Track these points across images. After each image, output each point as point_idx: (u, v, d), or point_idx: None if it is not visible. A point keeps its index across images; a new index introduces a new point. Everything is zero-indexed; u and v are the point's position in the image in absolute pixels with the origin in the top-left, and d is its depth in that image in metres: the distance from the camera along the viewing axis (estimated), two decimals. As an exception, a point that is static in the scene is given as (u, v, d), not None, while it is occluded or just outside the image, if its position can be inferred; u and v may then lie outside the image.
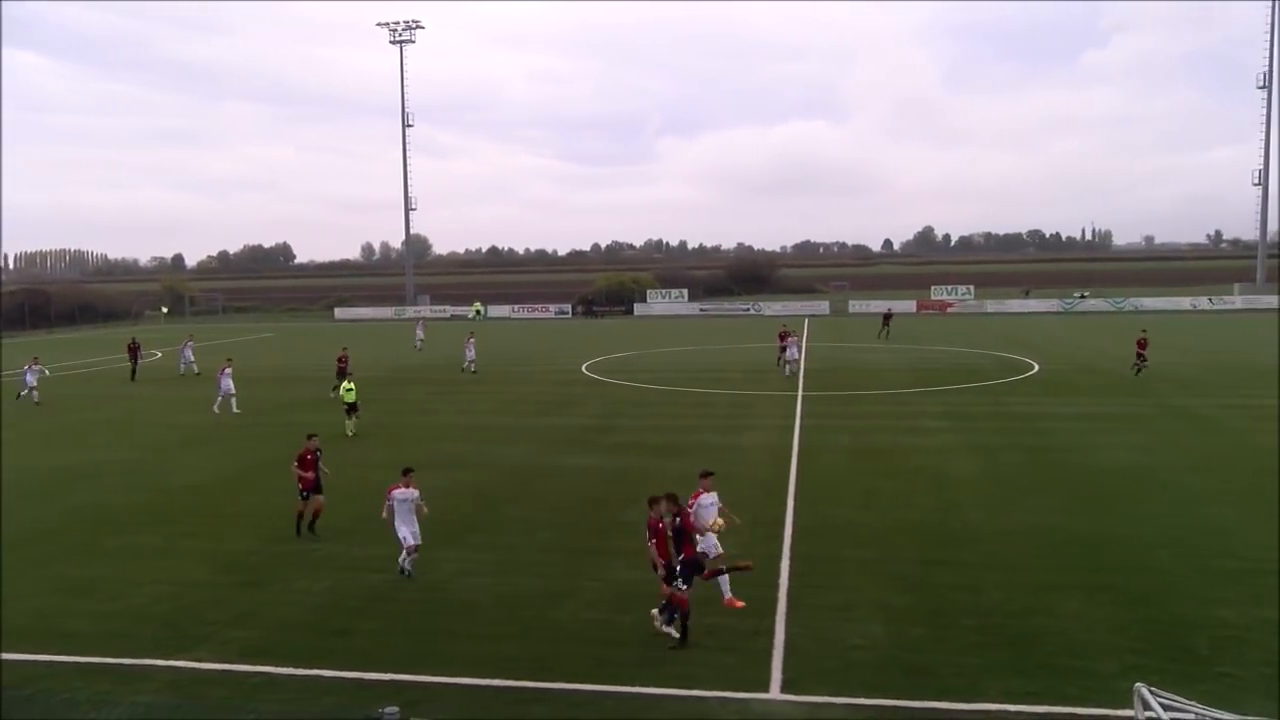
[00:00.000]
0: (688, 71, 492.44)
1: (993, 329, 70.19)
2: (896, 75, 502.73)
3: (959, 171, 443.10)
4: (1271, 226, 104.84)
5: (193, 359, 48.67)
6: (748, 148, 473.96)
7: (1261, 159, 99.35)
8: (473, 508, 20.56)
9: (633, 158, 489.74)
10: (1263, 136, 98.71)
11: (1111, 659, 12.32)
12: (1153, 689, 8.19)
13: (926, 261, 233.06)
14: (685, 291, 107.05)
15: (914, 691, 11.58)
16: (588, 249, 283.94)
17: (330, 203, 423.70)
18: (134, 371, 46.90)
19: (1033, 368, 44.89)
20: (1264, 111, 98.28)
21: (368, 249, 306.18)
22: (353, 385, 31.13)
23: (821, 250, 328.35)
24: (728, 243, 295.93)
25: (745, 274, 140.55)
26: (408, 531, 15.90)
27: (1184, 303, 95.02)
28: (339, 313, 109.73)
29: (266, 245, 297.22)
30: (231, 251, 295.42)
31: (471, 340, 48.26)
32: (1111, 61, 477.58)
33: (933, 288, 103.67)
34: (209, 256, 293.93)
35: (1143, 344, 41.18)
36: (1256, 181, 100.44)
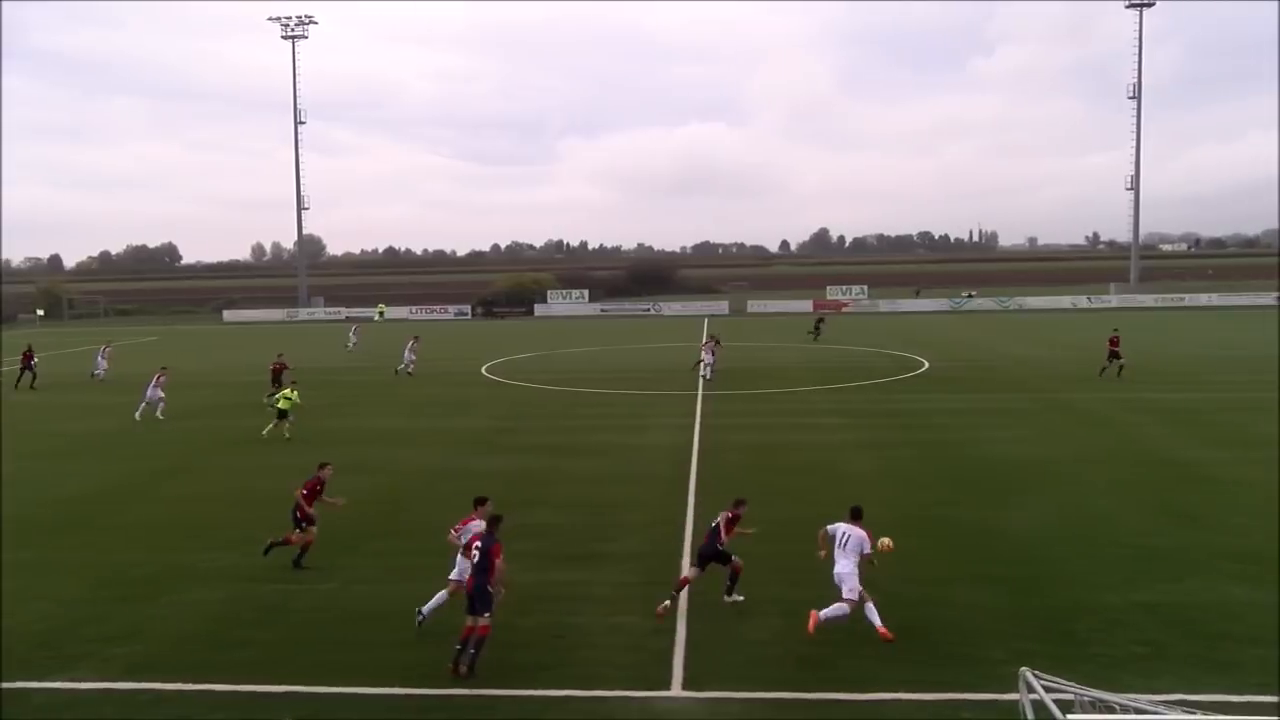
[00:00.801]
0: (590, 72, 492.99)
1: (886, 328, 72.08)
2: (794, 80, 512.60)
3: (853, 174, 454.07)
4: (1143, 229, 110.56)
5: (106, 365, 46.62)
6: (649, 149, 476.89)
7: (1133, 165, 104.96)
8: (374, 513, 20.18)
9: (534, 158, 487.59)
10: (1134, 144, 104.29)
11: (1000, 646, 12.80)
12: (1036, 673, 8.56)
13: (822, 262, 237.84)
14: (586, 292, 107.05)
15: (812, 683, 11.85)
16: (487, 249, 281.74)
17: (219, 201, 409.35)
18: (20, 380, 44.33)
19: (924, 365, 46.26)
20: (1134, 121, 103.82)
21: (258, 249, 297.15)
22: (293, 392, 30.15)
23: (721, 251, 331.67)
24: (629, 243, 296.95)
25: (646, 274, 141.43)
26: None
27: (1065, 302, 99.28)
28: (228, 315, 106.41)
29: (151, 245, 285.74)
30: (114, 252, 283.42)
31: (414, 343, 47.16)
32: (996, 69, 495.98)
33: (828, 288, 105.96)
34: (89, 257, 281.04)
35: (1115, 342, 40.34)
36: (1129, 186, 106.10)
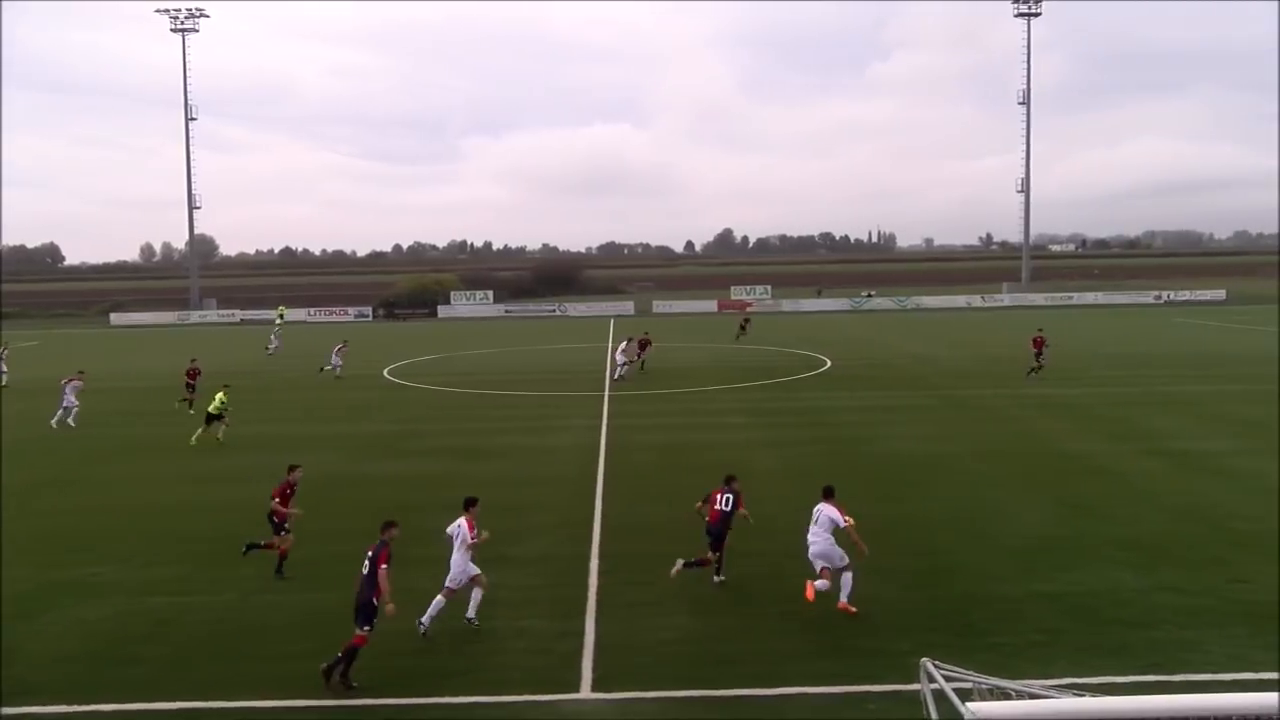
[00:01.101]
0: (494, 71, 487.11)
1: (789, 327, 73.25)
2: (696, 82, 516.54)
3: (756, 176, 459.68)
4: (1033, 230, 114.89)
5: (5, 369, 44.66)
6: (555, 149, 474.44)
7: (1024, 168, 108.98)
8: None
9: (437, 157, 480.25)
10: (1024, 148, 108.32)
11: (904, 638, 13.09)
12: (937, 663, 8.76)
13: (726, 262, 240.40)
14: (490, 293, 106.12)
15: (721, 680, 11.93)
16: (389, 250, 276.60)
17: (105, 200, 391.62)
18: None
19: (826, 364, 47.14)
20: (1024, 125, 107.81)
21: (147, 250, 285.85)
22: (224, 395, 29.16)
23: (626, 251, 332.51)
24: (533, 244, 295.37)
25: (551, 275, 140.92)
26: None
27: (960, 301, 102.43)
28: (115, 318, 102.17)
29: (31, 246, 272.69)
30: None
31: (342, 346, 46.62)
32: (894, 74, 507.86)
33: (733, 288, 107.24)
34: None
35: (1039, 343, 40.50)
36: (1020, 189, 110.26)
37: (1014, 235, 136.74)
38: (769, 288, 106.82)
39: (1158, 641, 12.80)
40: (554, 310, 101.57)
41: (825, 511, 14.53)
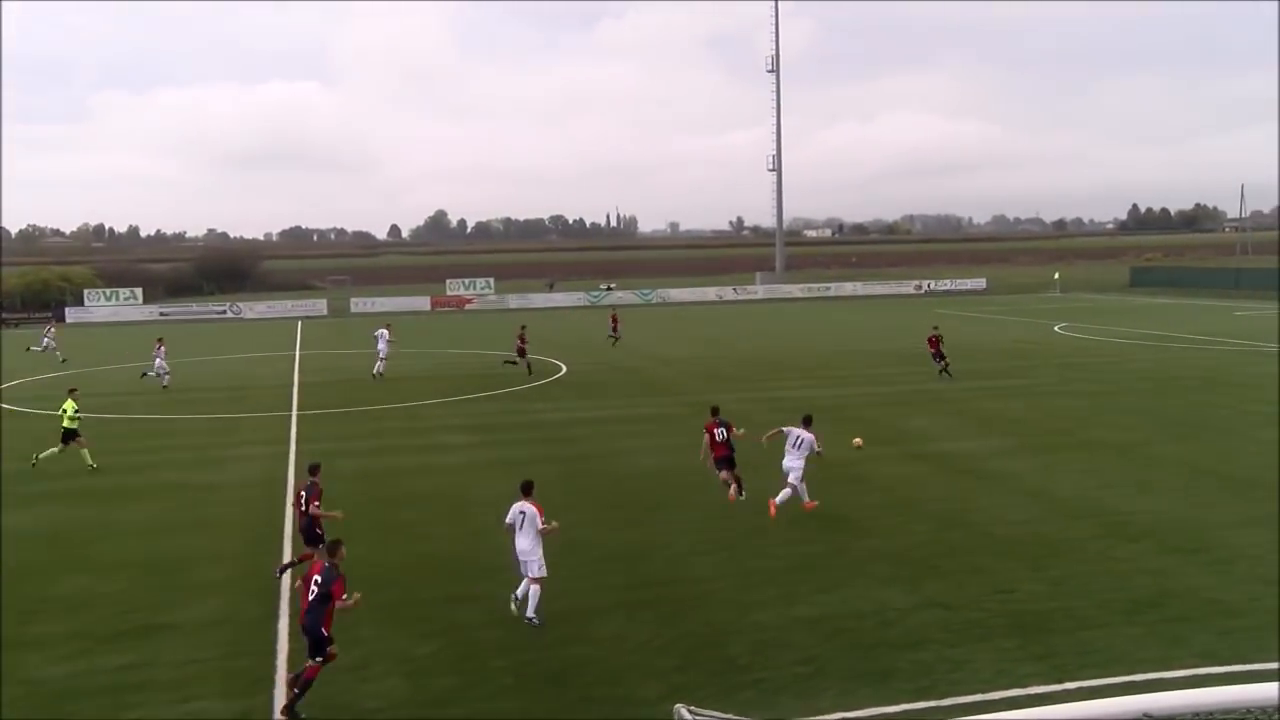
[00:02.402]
0: (137, 9, 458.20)
1: (517, 327, 73.57)
2: (398, 32, 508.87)
3: (475, 149, 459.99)
4: (787, 214, 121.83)
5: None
6: (220, 111, 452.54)
7: (775, 143, 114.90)
8: None
9: (56, 115, 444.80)
10: (774, 120, 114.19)
11: (654, 681, 13.47)
12: (692, 709, 9.03)
13: (440, 251, 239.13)
14: (139, 291, 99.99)
15: (442, 753, 11.77)
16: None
17: None
18: None
19: (562, 369, 47.81)
20: (774, 95, 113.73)
21: None
22: (71, 406, 28.16)
23: (317, 238, 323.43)
24: (196, 229, 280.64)
25: (220, 268, 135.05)
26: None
27: (710, 293, 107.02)
28: None
29: None
30: None
31: (160, 347, 46.21)
32: (628, 33, 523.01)
33: (449, 281, 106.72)
34: None
35: (934, 341, 42.22)
36: (771, 167, 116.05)
37: (767, 219, 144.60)
38: (491, 281, 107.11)
39: (925, 663, 13.88)
40: (224, 311, 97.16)
41: (806, 438, 21.17)
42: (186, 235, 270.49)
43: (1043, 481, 24.06)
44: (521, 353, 46.40)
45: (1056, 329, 63.29)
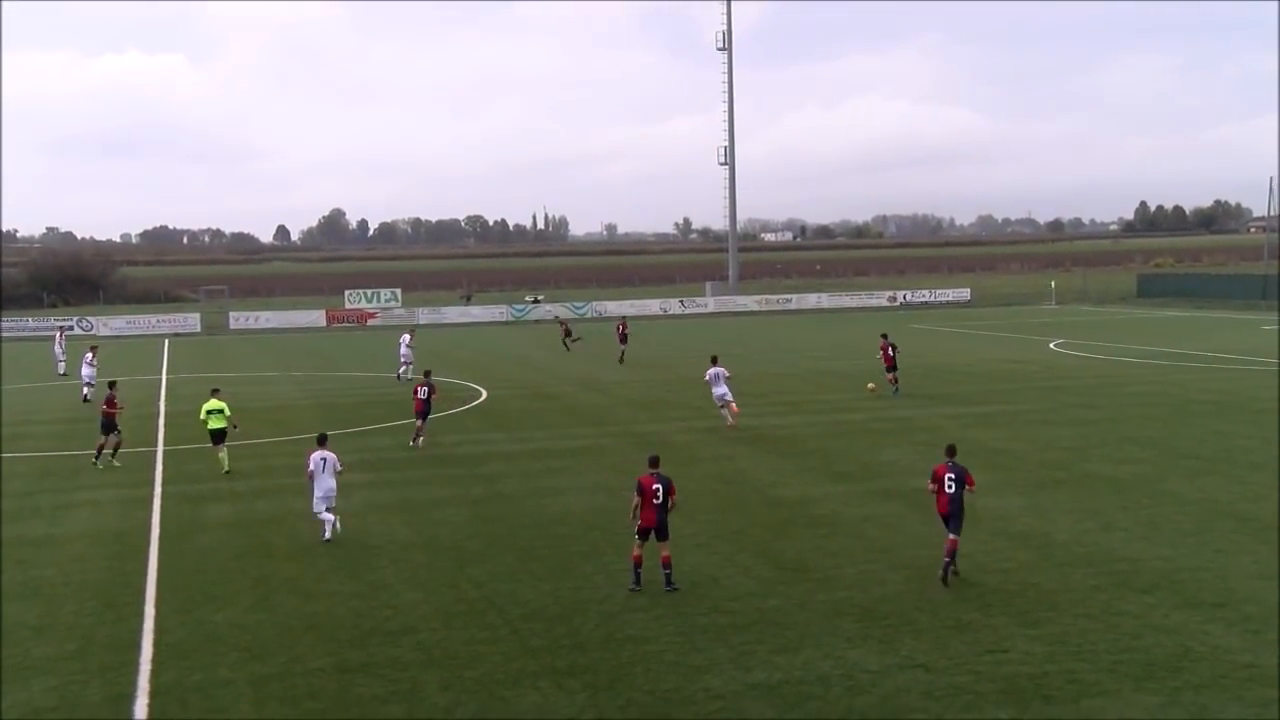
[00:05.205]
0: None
1: (427, 345, 73.13)
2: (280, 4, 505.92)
3: (375, 138, 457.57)
4: (742, 215, 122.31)
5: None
6: (59, 86, 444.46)
7: (726, 133, 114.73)
8: None
9: None
10: (725, 106, 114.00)
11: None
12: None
13: (337, 257, 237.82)
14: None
15: None
16: None
17: None
18: None
19: (480, 395, 47.50)
20: (724, 77, 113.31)
21: None
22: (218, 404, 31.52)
23: (187, 241, 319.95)
24: (33, 229, 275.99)
25: (64, 275, 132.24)
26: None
27: (653, 306, 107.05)
28: None
29: None
30: None
31: (92, 354, 48.29)
32: (551, 7, 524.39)
33: (347, 292, 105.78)
34: None
35: (887, 351, 44.05)
36: (723, 160, 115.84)
37: (718, 221, 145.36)
38: (398, 291, 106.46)
39: (899, 735, 13.86)
40: (70, 327, 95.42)
41: (720, 371, 35.30)
42: (19, 235, 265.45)
43: (1036, 523, 24.26)
44: (623, 339, 60.51)
45: (1052, 346, 64.21)
